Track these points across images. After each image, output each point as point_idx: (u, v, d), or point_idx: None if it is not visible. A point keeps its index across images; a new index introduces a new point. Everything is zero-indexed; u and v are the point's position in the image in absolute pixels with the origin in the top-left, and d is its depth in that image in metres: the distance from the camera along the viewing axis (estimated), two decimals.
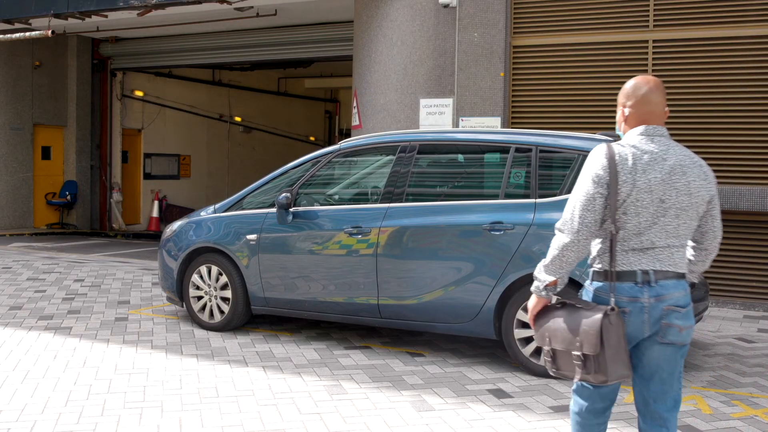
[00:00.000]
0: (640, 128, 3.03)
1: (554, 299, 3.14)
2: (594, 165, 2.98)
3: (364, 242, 5.96)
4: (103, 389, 5.03)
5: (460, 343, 6.32)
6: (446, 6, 9.20)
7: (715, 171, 8.26)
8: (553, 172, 5.71)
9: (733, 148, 8.19)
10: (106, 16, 13.51)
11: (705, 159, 9.14)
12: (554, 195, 5.52)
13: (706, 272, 8.04)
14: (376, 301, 5.95)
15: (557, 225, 3.06)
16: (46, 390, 5.00)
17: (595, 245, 3.07)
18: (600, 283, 3.04)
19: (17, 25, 14.31)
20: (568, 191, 5.50)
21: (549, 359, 3.12)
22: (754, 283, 8.14)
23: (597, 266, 3.06)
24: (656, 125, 3.04)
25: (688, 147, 7.43)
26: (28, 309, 7.55)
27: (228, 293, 6.60)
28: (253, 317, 6.90)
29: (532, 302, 3.14)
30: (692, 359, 6.05)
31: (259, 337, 6.49)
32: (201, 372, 5.46)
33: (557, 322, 3.04)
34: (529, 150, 5.62)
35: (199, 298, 6.77)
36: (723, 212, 7.94)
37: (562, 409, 4.78)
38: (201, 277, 6.74)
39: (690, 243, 3.16)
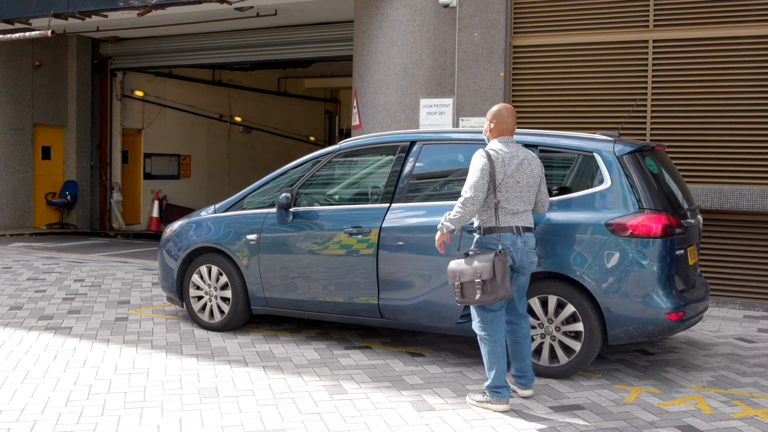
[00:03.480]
0: (500, 138, 4.81)
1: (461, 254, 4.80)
2: (480, 162, 4.65)
3: (364, 242, 5.96)
4: (103, 389, 5.04)
5: (460, 343, 6.32)
6: (446, 6, 9.20)
7: (715, 171, 8.32)
8: (553, 172, 5.70)
9: (733, 148, 8.18)
10: (106, 16, 13.50)
11: (705, 159, 9.09)
12: (554, 195, 5.51)
13: (706, 272, 8.04)
14: (376, 301, 5.95)
15: (463, 196, 4.63)
16: (46, 390, 5.00)
17: (482, 212, 4.73)
18: (490, 235, 4.70)
19: (17, 25, 14.29)
20: (569, 191, 5.51)
21: (458, 291, 4.64)
22: (754, 283, 8.13)
23: (485, 225, 4.72)
24: (509, 136, 4.83)
25: (689, 146, 7.82)
26: (28, 309, 7.55)
27: (228, 293, 6.60)
28: (253, 317, 6.90)
29: (438, 236, 4.80)
30: (692, 359, 6.05)
31: (259, 337, 6.49)
32: (201, 372, 5.46)
33: (462, 265, 4.65)
34: None
35: (199, 298, 6.77)
36: (723, 212, 8.05)
37: (562, 409, 4.78)
38: (201, 277, 6.74)
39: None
